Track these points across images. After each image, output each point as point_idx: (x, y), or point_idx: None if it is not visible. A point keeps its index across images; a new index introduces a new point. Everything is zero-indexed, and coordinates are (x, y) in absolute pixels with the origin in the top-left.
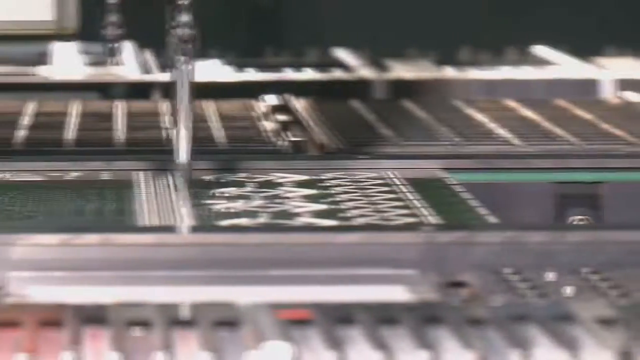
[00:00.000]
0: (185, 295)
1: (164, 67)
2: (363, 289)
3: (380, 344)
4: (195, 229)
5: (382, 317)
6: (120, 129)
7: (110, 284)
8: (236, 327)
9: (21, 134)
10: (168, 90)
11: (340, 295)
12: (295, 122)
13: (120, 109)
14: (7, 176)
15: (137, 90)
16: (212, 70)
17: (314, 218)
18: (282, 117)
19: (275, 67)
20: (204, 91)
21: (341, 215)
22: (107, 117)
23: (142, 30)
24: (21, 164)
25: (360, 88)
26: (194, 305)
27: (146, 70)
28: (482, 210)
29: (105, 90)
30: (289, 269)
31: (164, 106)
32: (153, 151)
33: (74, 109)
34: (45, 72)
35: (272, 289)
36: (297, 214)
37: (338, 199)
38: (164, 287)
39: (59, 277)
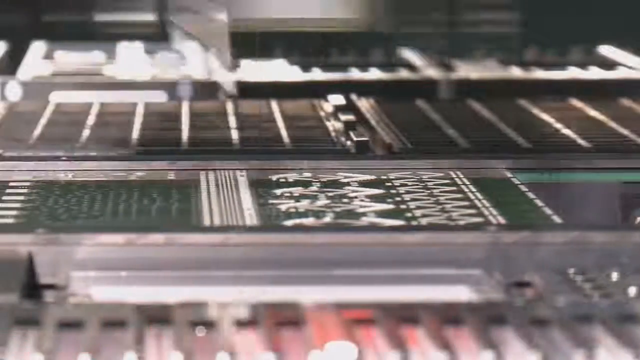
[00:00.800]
0: (249, 295)
1: (228, 67)
2: (427, 289)
3: (444, 344)
4: (260, 229)
5: (446, 317)
6: (185, 129)
7: (174, 284)
8: (300, 327)
9: (86, 133)
10: (233, 89)
11: (404, 295)
12: (360, 122)
13: (185, 108)
14: (71, 176)
15: (203, 90)
16: (278, 70)
17: (379, 218)
18: (347, 117)
19: (341, 67)
20: (270, 91)
21: (406, 215)
22: (172, 116)
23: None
24: (86, 163)
25: (426, 88)
26: (257, 305)
27: (211, 70)
28: (547, 210)
29: (171, 89)
30: (354, 268)
31: (229, 106)
32: (218, 151)
33: (139, 109)
34: (111, 72)
35: (336, 289)
36: (362, 214)
37: (403, 198)
38: (228, 287)
39: (123, 277)
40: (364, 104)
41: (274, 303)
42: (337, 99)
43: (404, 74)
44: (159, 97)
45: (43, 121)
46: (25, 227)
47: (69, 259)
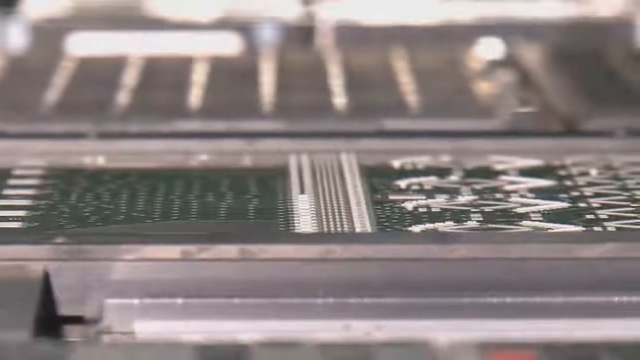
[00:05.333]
0: (359, 330)
1: None
2: (613, 323)
3: None
4: (374, 238)
5: None
6: (268, 92)
7: (251, 316)
8: None
9: (123, 97)
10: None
11: (579, 331)
12: (525, 83)
13: (268, 61)
14: (103, 161)
15: (293, 34)
16: (406, 4)
17: (547, 222)
18: (505, 76)
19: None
20: (393, 36)
21: (587, 217)
22: (249, 73)
23: None
24: (123, 142)
25: (622, 31)
26: (371, 345)
27: (307, 3)
28: None
29: (247, 33)
30: (509, 294)
31: (331, 57)
32: (315, 124)
33: (200, 62)
34: (157, 7)
35: (484, 323)
36: (523, 216)
37: (583, 193)
38: (327, 320)
39: (178, 306)
40: (532, 55)
41: (394, 342)
42: (492, 49)
43: (590, 7)
44: (229, 44)
45: (60, 80)
46: (38, 234)
47: (101, 280)
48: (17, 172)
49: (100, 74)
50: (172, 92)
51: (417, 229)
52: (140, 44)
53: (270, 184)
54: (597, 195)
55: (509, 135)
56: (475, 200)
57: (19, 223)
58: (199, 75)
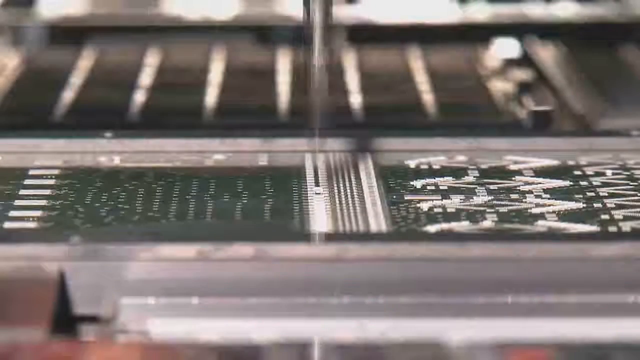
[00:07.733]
0: (373, 330)
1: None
2: (628, 323)
3: None
4: (390, 237)
5: None
6: (284, 91)
7: (267, 315)
8: None
9: (140, 98)
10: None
11: (594, 330)
12: (540, 82)
13: (282, 61)
14: (119, 160)
15: (307, 34)
16: (422, 4)
17: (563, 222)
18: (521, 75)
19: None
20: (409, 35)
21: (602, 217)
22: (266, 73)
23: None
24: (140, 142)
25: (636, 30)
26: (385, 344)
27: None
28: None
29: (263, 34)
30: (524, 294)
31: (348, 57)
32: (330, 124)
33: (217, 62)
34: (174, 8)
35: (499, 322)
36: (539, 216)
37: (598, 193)
38: (343, 319)
39: (194, 306)
40: (548, 55)
41: (409, 342)
42: (507, 48)
43: (603, 9)
44: (244, 45)
45: (77, 80)
46: (54, 234)
47: (116, 279)
48: (33, 172)
49: (116, 74)
50: (188, 92)
51: (432, 229)
52: (156, 43)
53: (285, 184)
54: (612, 195)
55: (525, 135)
56: (490, 200)
57: (35, 223)
58: (215, 75)
